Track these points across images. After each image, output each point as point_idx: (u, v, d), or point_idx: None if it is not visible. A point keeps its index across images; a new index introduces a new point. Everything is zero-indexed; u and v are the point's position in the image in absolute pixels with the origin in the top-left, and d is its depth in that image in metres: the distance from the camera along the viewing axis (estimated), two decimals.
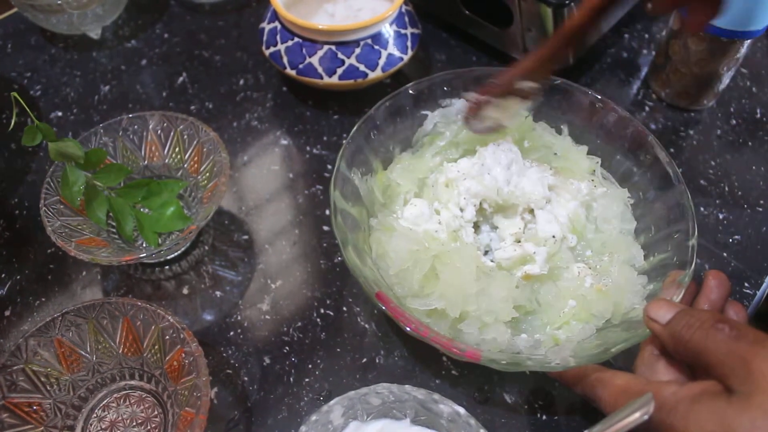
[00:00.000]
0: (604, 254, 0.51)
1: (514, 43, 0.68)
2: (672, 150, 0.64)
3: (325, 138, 0.66)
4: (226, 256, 0.57)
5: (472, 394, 0.49)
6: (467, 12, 0.70)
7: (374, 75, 0.63)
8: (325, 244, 0.58)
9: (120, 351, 0.47)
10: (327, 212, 0.60)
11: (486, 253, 0.53)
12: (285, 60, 0.63)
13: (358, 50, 0.62)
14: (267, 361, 0.51)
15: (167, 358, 0.46)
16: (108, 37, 0.76)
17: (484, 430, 0.39)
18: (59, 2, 0.67)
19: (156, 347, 0.46)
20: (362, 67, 0.62)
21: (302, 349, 0.52)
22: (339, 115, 0.68)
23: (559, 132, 0.57)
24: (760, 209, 0.60)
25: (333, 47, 0.62)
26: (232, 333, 0.52)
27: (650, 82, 0.70)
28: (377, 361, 0.51)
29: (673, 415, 0.34)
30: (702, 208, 0.60)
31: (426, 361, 0.51)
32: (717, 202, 0.61)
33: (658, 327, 0.39)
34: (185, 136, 0.56)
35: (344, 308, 0.54)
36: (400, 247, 0.48)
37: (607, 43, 0.74)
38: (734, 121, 0.67)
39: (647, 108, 0.68)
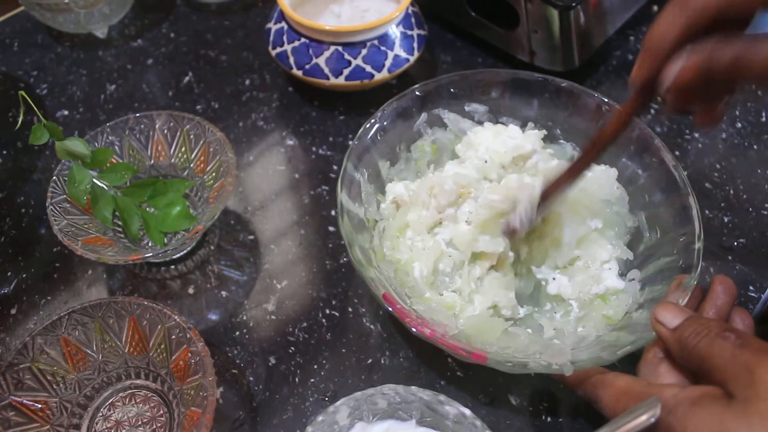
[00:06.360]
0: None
1: (520, 45, 0.68)
2: (677, 153, 0.64)
3: (330, 139, 0.66)
4: (232, 255, 0.57)
5: (477, 396, 0.49)
6: (473, 13, 0.70)
7: (380, 76, 0.63)
8: (330, 245, 0.58)
9: (126, 350, 0.47)
10: (333, 213, 0.60)
11: None
12: (291, 60, 0.63)
13: (364, 51, 0.62)
14: (272, 361, 0.51)
15: (173, 358, 0.46)
16: (114, 36, 0.76)
17: None
18: (66, 1, 0.67)
19: (162, 347, 0.46)
20: (369, 68, 0.62)
21: (307, 349, 0.52)
22: (345, 115, 0.68)
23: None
24: (765, 213, 0.60)
25: (339, 48, 0.62)
26: (237, 333, 0.52)
27: None
28: (382, 361, 0.51)
29: (672, 416, 0.34)
30: (707, 212, 0.60)
31: (431, 362, 0.51)
32: (722, 205, 0.61)
33: (665, 331, 0.39)
34: (192, 136, 0.56)
35: (349, 309, 0.54)
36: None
37: (613, 46, 0.74)
38: (739, 124, 0.67)
39: (652, 110, 0.68)
